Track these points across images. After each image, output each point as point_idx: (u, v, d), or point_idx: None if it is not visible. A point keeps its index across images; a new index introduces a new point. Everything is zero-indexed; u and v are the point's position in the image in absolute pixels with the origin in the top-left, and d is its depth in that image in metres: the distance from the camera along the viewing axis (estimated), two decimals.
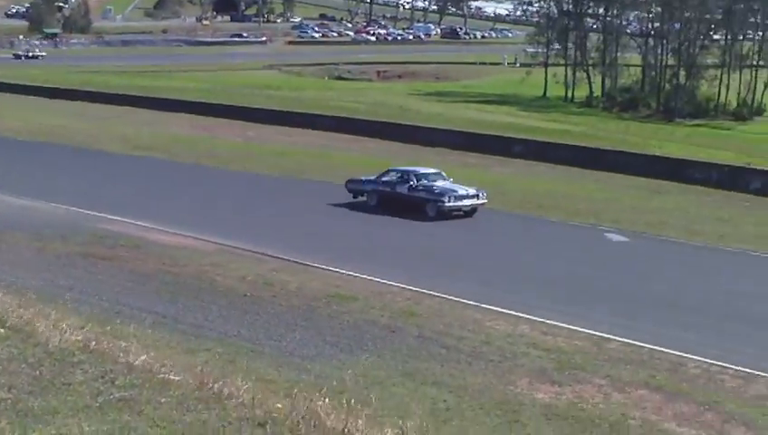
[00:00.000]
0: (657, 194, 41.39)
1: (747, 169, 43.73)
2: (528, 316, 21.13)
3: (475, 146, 51.07)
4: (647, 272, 27.50)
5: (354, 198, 35.52)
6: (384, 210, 33.88)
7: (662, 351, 19.33)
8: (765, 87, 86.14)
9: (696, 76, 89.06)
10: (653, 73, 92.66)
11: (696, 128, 77.95)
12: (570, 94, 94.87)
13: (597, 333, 20.23)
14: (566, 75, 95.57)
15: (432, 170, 35.72)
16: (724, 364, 18.67)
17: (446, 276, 24.91)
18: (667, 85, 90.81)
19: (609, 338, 20.01)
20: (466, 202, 33.89)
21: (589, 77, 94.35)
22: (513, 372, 17.71)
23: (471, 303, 22.05)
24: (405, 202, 34.15)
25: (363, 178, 35.98)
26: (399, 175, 34.96)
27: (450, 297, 22.46)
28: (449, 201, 33.42)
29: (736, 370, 18.45)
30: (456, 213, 33.70)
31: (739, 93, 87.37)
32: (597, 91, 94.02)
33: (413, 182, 34.29)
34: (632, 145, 50.48)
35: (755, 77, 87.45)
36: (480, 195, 34.10)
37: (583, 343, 19.73)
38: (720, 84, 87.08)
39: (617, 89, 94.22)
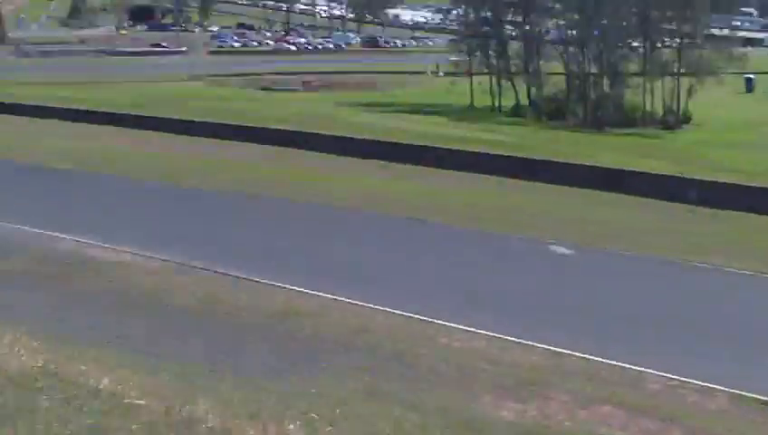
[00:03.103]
0: (597, 205, 41.06)
1: (683, 178, 43.50)
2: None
3: (409, 157, 50.55)
4: (597, 285, 27.26)
5: None
6: None
7: (620, 366, 19.24)
8: (688, 95, 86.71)
9: (619, 84, 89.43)
10: (577, 82, 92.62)
11: (625, 137, 78.12)
12: (497, 103, 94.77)
13: (552, 348, 20.08)
14: (491, 84, 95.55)
15: None
16: (683, 379, 18.60)
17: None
18: (593, 93, 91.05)
19: (564, 353, 19.89)
20: None
21: (513, 86, 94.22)
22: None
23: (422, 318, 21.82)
24: None
25: None
26: None
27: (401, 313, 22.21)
28: None
29: (696, 384, 18.39)
30: None
31: (664, 101, 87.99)
32: (523, 100, 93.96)
33: None
34: (565, 155, 50.17)
35: (678, 85, 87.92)
36: None
37: (539, 358, 19.58)
38: (644, 93, 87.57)
39: (543, 97, 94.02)
